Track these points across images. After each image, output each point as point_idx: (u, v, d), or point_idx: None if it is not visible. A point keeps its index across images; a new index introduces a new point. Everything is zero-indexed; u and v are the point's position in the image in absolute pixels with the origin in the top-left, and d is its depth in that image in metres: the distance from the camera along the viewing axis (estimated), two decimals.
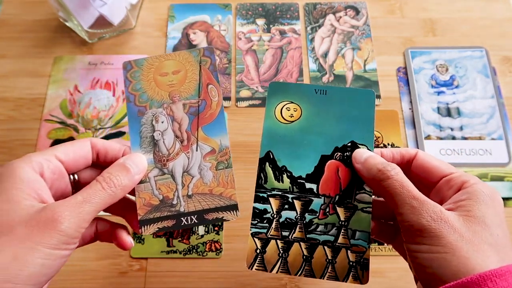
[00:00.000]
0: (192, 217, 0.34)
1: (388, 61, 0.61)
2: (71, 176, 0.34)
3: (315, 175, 0.36)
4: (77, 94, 0.58)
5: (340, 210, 0.36)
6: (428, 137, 0.56)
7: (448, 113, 0.57)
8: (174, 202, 0.35)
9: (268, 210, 0.36)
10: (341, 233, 0.35)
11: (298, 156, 0.36)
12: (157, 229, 0.34)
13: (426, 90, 0.59)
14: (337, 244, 0.35)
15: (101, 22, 0.60)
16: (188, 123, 0.36)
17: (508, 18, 0.64)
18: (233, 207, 0.35)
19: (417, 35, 0.63)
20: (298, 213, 0.36)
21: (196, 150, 0.36)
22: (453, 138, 0.56)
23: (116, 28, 0.61)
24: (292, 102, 0.38)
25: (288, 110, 0.37)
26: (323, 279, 0.35)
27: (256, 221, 0.36)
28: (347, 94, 0.38)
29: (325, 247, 0.35)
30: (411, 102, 0.58)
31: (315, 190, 0.36)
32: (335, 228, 0.35)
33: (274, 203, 0.36)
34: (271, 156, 0.37)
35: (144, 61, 0.37)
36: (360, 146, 0.36)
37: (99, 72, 0.60)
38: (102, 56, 0.61)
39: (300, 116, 0.37)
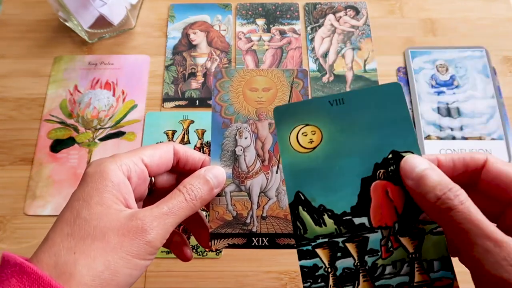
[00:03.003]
0: (264, 239, 0.34)
1: (388, 61, 0.61)
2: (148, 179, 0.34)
3: (362, 206, 0.29)
4: (77, 94, 0.58)
5: (405, 241, 0.29)
6: (428, 137, 0.56)
7: (448, 113, 0.57)
8: (248, 221, 0.34)
9: (319, 265, 0.29)
10: (416, 269, 0.28)
11: (334, 188, 0.29)
12: (227, 245, 0.34)
13: (426, 90, 0.59)
14: (415, 284, 0.28)
15: (101, 22, 0.60)
16: (271, 144, 0.35)
17: (508, 18, 0.64)
18: None
19: (417, 35, 0.63)
20: (356, 259, 0.29)
21: (276, 173, 0.35)
22: (453, 138, 0.56)
23: (116, 28, 0.61)
24: (307, 125, 0.31)
25: (305, 136, 0.31)
26: None
27: (308, 283, 0.29)
28: (368, 95, 0.31)
29: None
30: (411, 102, 0.58)
31: (367, 224, 0.29)
32: (406, 264, 0.28)
33: (323, 254, 0.29)
34: (303, 197, 0.30)
35: (235, 72, 0.36)
36: (403, 154, 0.29)
37: (99, 72, 0.60)
38: (102, 56, 0.61)
39: (322, 139, 0.31)
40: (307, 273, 0.29)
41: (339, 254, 0.29)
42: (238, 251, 0.49)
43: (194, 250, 0.49)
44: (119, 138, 0.56)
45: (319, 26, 0.64)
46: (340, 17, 0.64)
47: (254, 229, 0.34)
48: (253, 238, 0.34)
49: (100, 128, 0.56)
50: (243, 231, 0.34)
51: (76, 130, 0.56)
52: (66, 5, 0.56)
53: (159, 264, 0.49)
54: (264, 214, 0.34)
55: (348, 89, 0.59)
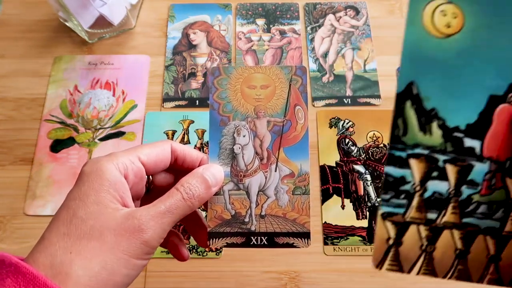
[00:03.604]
0: (263, 238, 0.34)
1: (388, 61, 0.61)
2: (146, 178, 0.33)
3: (479, 126, 0.24)
4: (77, 94, 0.58)
5: (511, 183, 0.25)
6: None
7: None
8: (246, 220, 0.34)
9: (408, 179, 0.25)
10: (510, 217, 0.25)
11: (455, 93, 0.24)
12: (225, 244, 0.34)
13: None
14: (504, 233, 0.25)
15: (101, 22, 0.60)
16: (270, 142, 0.35)
17: None
18: (306, 235, 0.33)
19: None
20: (452, 186, 0.25)
21: (275, 171, 0.34)
22: None
23: (116, 28, 0.61)
24: (450, 3, 0.24)
25: (444, 16, 0.24)
26: (482, 283, 0.25)
27: (389, 195, 0.25)
28: None
29: (488, 237, 0.25)
30: None
31: (478, 150, 0.24)
32: (502, 209, 0.24)
33: (417, 167, 0.25)
34: (415, 91, 0.24)
35: (233, 69, 0.36)
36: None
37: (99, 72, 0.60)
38: (102, 56, 0.61)
39: (462, 28, 0.24)
40: (391, 184, 0.25)
41: (435, 174, 0.25)
42: (238, 250, 0.49)
43: (194, 250, 0.49)
44: (119, 138, 0.56)
45: (319, 26, 0.64)
46: (340, 17, 0.64)
47: (253, 228, 0.34)
48: (252, 237, 0.34)
49: (100, 128, 0.56)
50: (242, 230, 0.34)
51: (76, 130, 0.56)
52: (66, 5, 0.56)
53: (159, 264, 0.49)
54: (263, 213, 0.34)
55: (348, 90, 0.59)
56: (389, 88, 0.59)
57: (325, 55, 0.62)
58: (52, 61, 0.61)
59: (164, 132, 0.56)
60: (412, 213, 0.25)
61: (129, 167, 0.30)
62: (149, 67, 0.61)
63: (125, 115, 0.57)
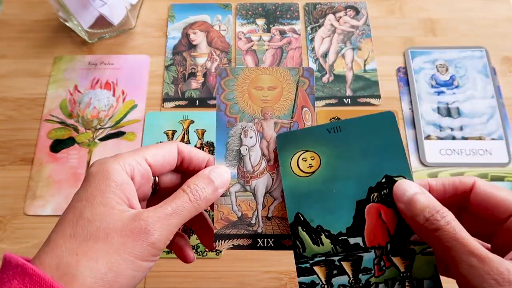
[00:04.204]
0: (269, 240, 0.33)
1: (388, 61, 0.61)
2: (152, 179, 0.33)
3: (357, 226, 0.31)
4: (77, 94, 0.58)
5: (397, 260, 0.30)
6: (428, 137, 0.56)
7: (448, 113, 0.57)
8: (253, 222, 0.34)
9: (317, 282, 0.31)
10: (407, 287, 0.30)
11: (331, 210, 0.31)
12: (232, 246, 0.33)
13: (426, 90, 0.59)
14: None
15: (101, 22, 0.60)
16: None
17: (508, 18, 0.64)
18: None
19: (417, 35, 0.63)
20: (351, 277, 0.31)
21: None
22: (453, 138, 0.56)
23: (116, 28, 0.61)
24: (307, 151, 0.33)
25: (305, 161, 0.33)
26: None
27: None
28: (363, 123, 0.33)
29: None
30: (411, 102, 0.58)
31: (361, 244, 0.31)
32: (397, 283, 0.30)
33: (320, 272, 0.31)
34: (302, 218, 0.32)
35: (240, 70, 0.36)
36: (396, 178, 0.31)
37: (99, 72, 0.60)
38: (102, 56, 0.61)
39: (320, 164, 0.33)
40: None
41: (335, 272, 0.31)
42: (238, 250, 0.49)
43: (194, 250, 0.49)
44: (119, 138, 0.56)
45: (319, 26, 0.64)
46: (340, 17, 0.64)
47: (259, 230, 0.33)
48: (258, 239, 0.33)
49: (100, 128, 0.56)
50: (248, 231, 0.33)
51: (76, 130, 0.56)
52: (66, 5, 0.56)
53: (159, 264, 0.49)
54: (270, 215, 0.34)
55: (348, 90, 0.59)
56: (389, 88, 0.59)
57: (325, 55, 0.62)
58: (52, 61, 0.61)
59: (164, 132, 0.56)
60: None
61: (136, 168, 0.30)
62: (149, 67, 0.61)
63: (125, 115, 0.57)
